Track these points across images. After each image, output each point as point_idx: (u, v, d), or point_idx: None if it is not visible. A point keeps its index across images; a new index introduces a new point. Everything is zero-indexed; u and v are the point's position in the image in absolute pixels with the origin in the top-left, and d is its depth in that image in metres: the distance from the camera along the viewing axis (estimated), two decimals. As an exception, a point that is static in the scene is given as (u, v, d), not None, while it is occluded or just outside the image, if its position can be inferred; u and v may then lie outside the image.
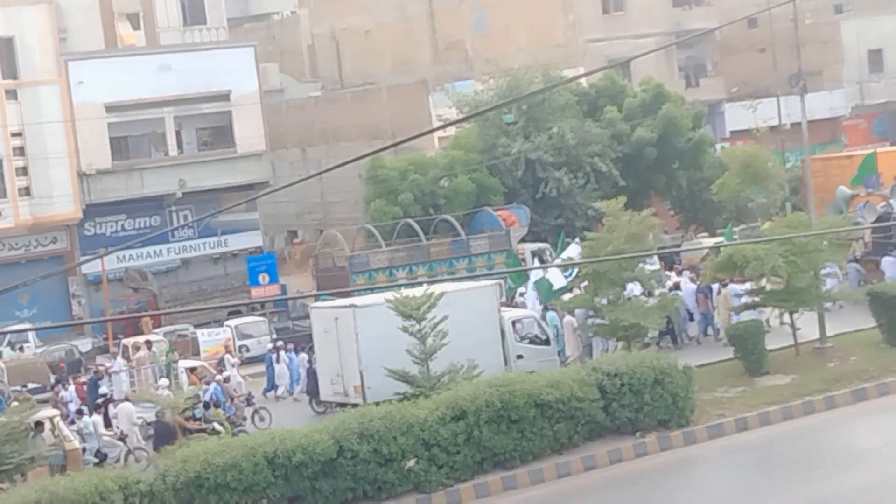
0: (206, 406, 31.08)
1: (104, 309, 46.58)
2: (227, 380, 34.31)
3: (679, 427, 28.83)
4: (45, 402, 34.31)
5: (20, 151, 48.36)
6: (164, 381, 33.53)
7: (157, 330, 42.48)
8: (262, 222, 54.05)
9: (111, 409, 31.97)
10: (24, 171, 48.44)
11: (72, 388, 35.51)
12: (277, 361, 37.07)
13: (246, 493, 24.26)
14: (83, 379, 37.11)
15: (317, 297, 44.70)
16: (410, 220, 47.05)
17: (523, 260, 45.26)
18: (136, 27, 58.55)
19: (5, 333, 42.38)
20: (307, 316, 44.21)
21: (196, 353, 39.24)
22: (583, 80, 52.92)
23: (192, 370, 35.94)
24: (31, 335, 42.84)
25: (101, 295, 48.19)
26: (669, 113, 52.20)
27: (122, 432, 30.49)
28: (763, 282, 34.24)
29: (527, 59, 50.73)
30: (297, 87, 66.84)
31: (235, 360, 37.10)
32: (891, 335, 34.57)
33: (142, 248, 50.50)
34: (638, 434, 28.41)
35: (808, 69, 57.84)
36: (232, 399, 33.02)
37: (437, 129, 49.12)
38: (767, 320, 35.09)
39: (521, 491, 26.45)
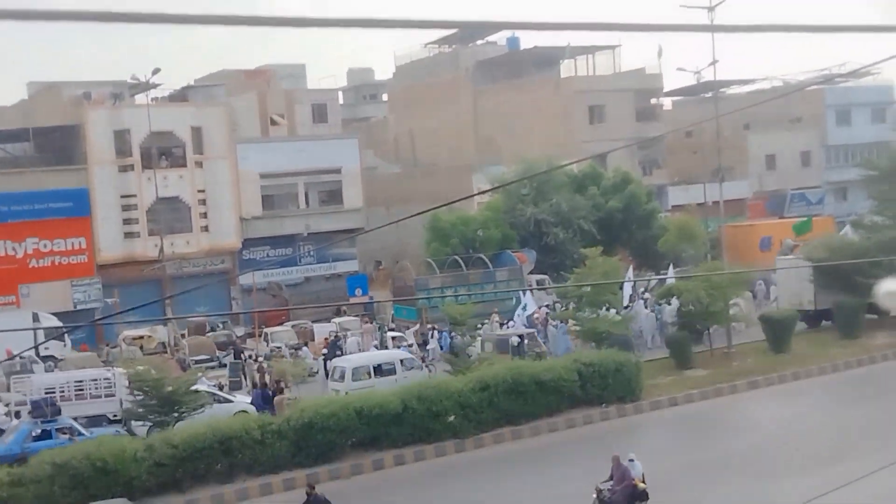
0: None
1: (253, 307, 46.84)
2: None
3: (631, 401, 28.74)
4: (211, 368, 34.62)
5: (203, 202, 48.85)
6: None
7: (287, 323, 42.65)
8: (358, 255, 54.22)
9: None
10: (204, 215, 48.91)
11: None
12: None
13: (342, 434, 24.32)
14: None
15: (393, 306, 44.92)
16: (456, 257, 47.09)
17: (530, 284, 45.16)
18: (281, 124, 59.23)
19: (188, 320, 42.63)
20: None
21: (312, 339, 39.29)
22: (574, 168, 52.90)
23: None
24: (209, 322, 43.12)
25: (251, 299, 48.47)
26: (632, 191, 52.07)
27: None
28: (690, 307, 34.09)
29: (537, 152, 50.70)
30: (385, 167, 67.17)
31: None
32: (775, 345, 34.33)
33: (279, 269, 50.76)
34: (604, 405, 28.28)
35: (725, 165, 57.63)
36: None
37: (476, 194, 49.20)
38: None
39: (525, 440, 26.39)
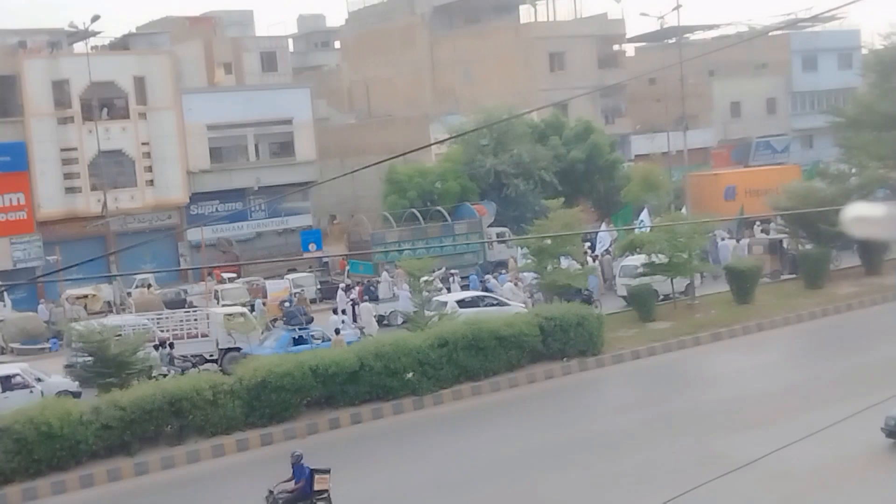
0: None
1: (202, 264, 46.49)
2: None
3: (593, 355, 28.96)
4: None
5: (148, 155, 48.23)
6: None
7: (238, 280, 42.39)
8: (312, 209, 53.92)
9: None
10: (149, 168, 48.32)
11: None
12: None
13: (296, 393, 24.30)
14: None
15: (347, 261, 44.83)
16: (414, 210, 47.00)
17: (490, 237, 45.25)
18: (228, 73, 58.46)
19: (135, 277, 42.26)
20: (340, 273, 44.61)
21: (265, 297, 39.11)
22: (535, 117, 52.85)
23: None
24: (152, 280, 42.76)
25: (199, 255, 48.11)
26: (594, 141, 52.13)
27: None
28: (654, 258, 34.29)
29: (497, 101, 50.53)
30: (339, 117, 66.59)
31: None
32: (739, 297, 34.71)
33: (229, 224, 50.37)
34: (565, 359, 28.49)
35: (689, 114, 57.93)
36: None
37: (433, 144, 49.05)
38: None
39: (485, 396, 26.53)
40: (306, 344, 28.08)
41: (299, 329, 28.95)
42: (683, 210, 44.36)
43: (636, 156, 59.69)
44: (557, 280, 32.12)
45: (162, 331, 29.81)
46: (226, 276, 42.53)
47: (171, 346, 28.67)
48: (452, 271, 39.10)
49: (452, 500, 19.14)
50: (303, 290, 39.37)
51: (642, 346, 30.05)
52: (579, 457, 20.93)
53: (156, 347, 27.91)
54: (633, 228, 39.10)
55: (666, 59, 59.96)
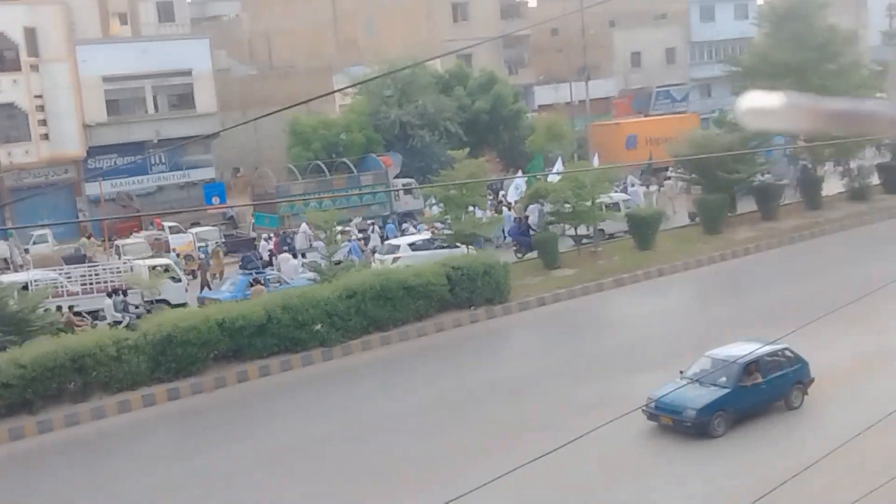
0: None
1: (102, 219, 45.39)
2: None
3: (500, 303, 29.33)
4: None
5: (41, 108, 46.75)
6: None
7: (139, 234, 41.56)
8: (214, 161, 52.98)
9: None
10: (44, 122, 46.85)
11: None
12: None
13: (203, 347, 24.09)
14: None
15: (253, 213, 44.35)
16: (319, 162, 46.63)
17: (396, 188, 45.17)
18: (124, 23, 56.87)
19: (33, 234, 41.06)
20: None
21: (168, 251, 38.40)
22: (439, 67, 52.71)
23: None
24: (49, 236, 41.62)
25: (99, 210, 47.00)
26: (498, 91, 52.31)
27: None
28: (559, 206, 34.68)
29: (400, 51, 50.22)
30: (240, 68, 65.31)
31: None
32: (640, 243, 35.38)
33: (129, 178, 49.22)
34: (472, 308, 28.78)
35: (591, 64, 58.46)
36: None
37: (336, 91, 48.68)
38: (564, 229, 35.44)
39: (393, 346, 26.72)
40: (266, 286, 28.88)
41: (256, 273, 29.99)
42: (596, 160, 44.93)
43: (540, 106, 60.07)
44: (464, 229, 32.34)
45: (84, 285, 29.23)
46: (167, 225, 41.46)
47: (125, 293, 28.20)
48: (369, 221, 39.11)
49: (351, 451, 19.25)
50: (211, 244, 38.71)
51: (548, 293, 30.51)
52: (486, 403, 21.27)
53: (109, 295, 27.79)
54: (546, 176, 39.45)
55: (568, 9, 60.26)
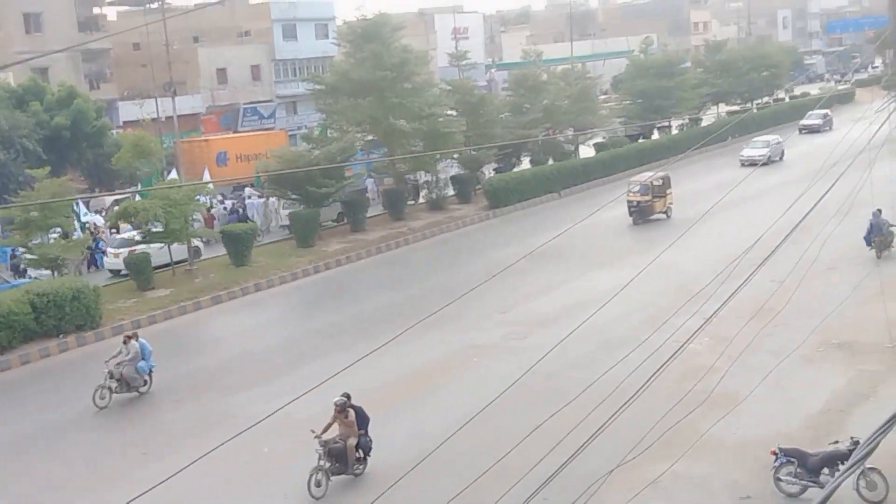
0: None
1: None
2: None
3: (92, 329, 28.05)
4: None
5: None
6: None
7: None
8: None
9: None
10: None
11: None
12: None
13: None
14: None
15: None
16: None
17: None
18: None
19: None
20: None
21: None
22: (12, 82, 49.12)
23: None
24: None
25: None
26: (79, 106, 49.68)
27: None
28: (150, 226, 33.77)
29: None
30: None
31: None
32: (236, 259, 35.31)
33: None
34: (61, 336, 27.13)
35: (177, 80, 57.35)
36: None
37: None
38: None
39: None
40: None
41: None
42: (174, 174, 44.16)
43: (125, 122, 57.92)
44: (49, 252, 30.39)
45: None
46: None
47: None
48: None
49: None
50: None
51: (143, 315, 29.55)
52: (77, 435, 20.17)
53: None
54: (128, 195, 38.11)
55: (149, 22, 58.70)
